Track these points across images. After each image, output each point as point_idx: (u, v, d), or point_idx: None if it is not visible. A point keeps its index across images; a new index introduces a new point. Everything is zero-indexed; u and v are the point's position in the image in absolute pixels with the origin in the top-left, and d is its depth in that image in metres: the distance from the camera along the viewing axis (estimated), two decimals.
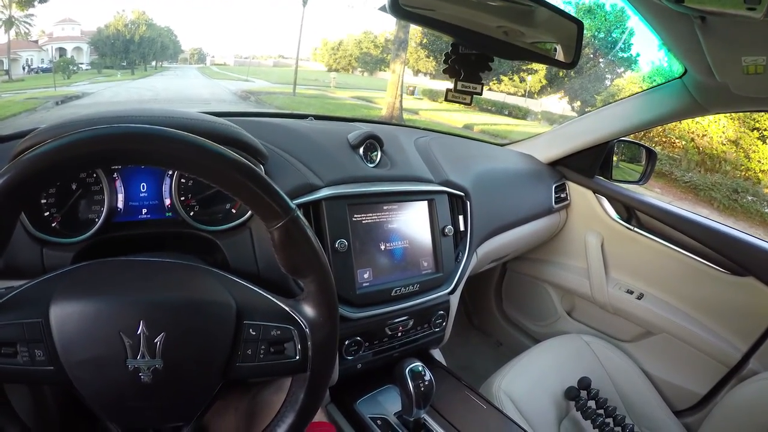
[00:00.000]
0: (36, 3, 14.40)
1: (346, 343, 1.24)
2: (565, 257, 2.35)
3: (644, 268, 2.10)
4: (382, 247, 1.32)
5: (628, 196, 2.15)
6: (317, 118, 1.74)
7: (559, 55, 1.04)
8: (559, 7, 0.99)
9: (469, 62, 0.99)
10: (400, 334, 1.37)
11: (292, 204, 0.76)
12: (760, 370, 1.69)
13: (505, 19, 0.96)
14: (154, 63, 38.90)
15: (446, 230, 1.44)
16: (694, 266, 1.94)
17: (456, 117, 18.97)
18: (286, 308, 0.82)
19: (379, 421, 1.23)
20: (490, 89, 27.64)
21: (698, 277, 1.93)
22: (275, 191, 0.74)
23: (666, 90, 1.81)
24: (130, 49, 35.91)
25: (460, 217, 1.54)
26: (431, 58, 27.84)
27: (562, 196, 2.23)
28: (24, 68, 31.54)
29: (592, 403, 1.64)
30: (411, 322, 1.39)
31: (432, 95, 25.72)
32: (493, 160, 2.01)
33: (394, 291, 1.30)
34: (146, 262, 0.86)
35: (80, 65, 33.62)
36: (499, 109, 24.49)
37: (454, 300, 1.51)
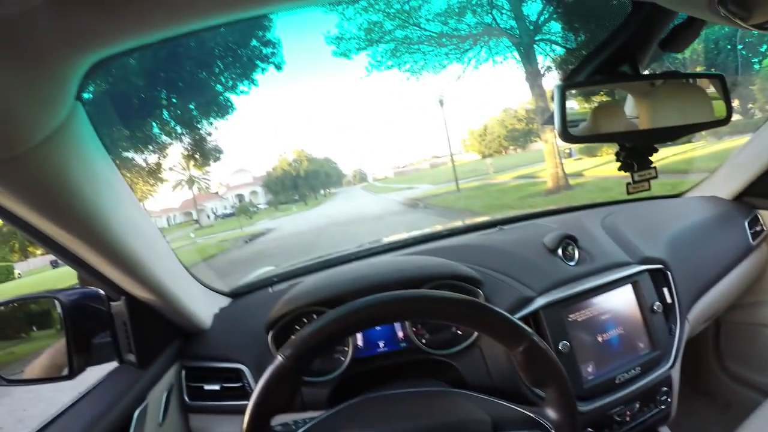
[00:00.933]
0: (211, 162, 16.32)
1: None
2: None
3: None
4: (600, 339, 1.36)
5: None
6: (503, 222, 1.89)
7: (713, 116, 1.02)
8: (695, 71, 1.04)
9: (637, 154, 1.02)
10: (628, 419, 1.37)
11: (528, 329, 0.85)
12: None
13: (658, 109, 0.98)
14: (322, 191, 41.80)
15: (655, 307, 1.45)
16: None
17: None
18: (533, 415, 0.90)
19: None
20: None
21: None
22: (511, 320, 0.85)
23: None
24: (298, 183, 38.96)
25: (665, 290, 1.53)
26: None
27: (758, 229, 2.04)
28: (209, 216, 35.43)
29: None
30: (637, 405, 1.38)
31: (589, 151, 24.90)
32: (678, 217, 1.96)
33: (617, 379, 1.34)
34: (403, 394, 1.03)
35: (258, 206, 37.09)
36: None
37: (675, 373, 1.49)
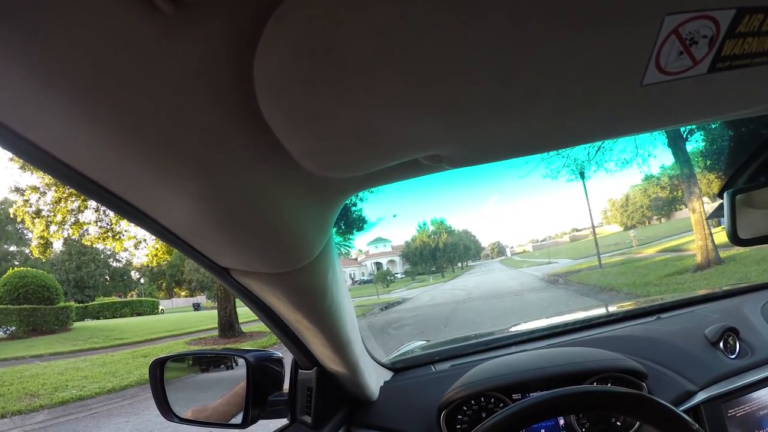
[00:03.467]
0: (355, 231, 16.79)
1: None
2: None
3: None
4: None
5: None
6: (659, 310, 1.85)
7: None
8: None
9: None
10: None
11: (695, 424, 0.85)
12: None
13: None
14: (459, 264, 41.62)
15: None
16: None
17: None
18: None
19: None
20: None
21: None
22: (677, 414, 0.86)
23: None
24: (436, 255, 39.03)
25: None
26: (723, 175, 25.15)
27: None
28: (347, 281, 36.31)
29: None
30: None
31: None
32: None
33: None
34: None
35: (395, 275, 37.51)
36: None
37: None
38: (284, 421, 1.29)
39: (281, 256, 0.74)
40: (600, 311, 2.12)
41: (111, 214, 13.97)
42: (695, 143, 14.94)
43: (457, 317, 12.07)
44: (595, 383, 1.29)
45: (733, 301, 1.86)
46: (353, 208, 15.50)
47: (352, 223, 15.94)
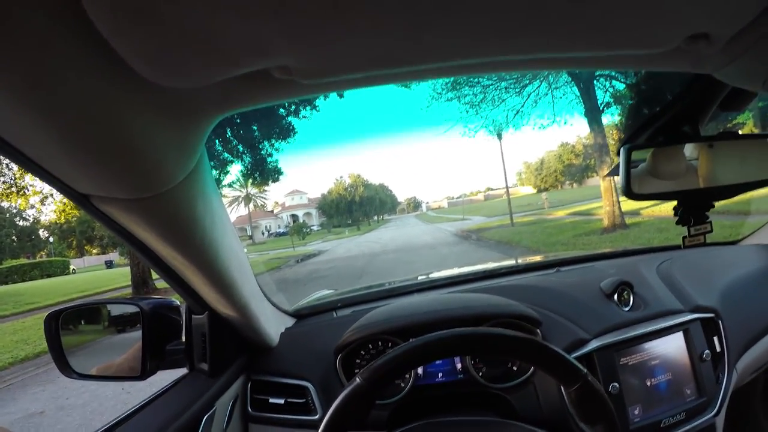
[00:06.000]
0: (270, 182, 16.55)
1: None
2: None
3: None
4: (648, 383, 1.37)
5: None
6: (560, 264, 1.93)
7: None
8: (752, 132, 1.00)
9: (695, 209, 1.05)
10: None
11: (584, 369, 0.89)
12: None
13: (716, 167, 1.02)
14: (375, 217, 42.06)
15: (704, 355, 1.46)
16: None
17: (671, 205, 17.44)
18: None
19: None
20: None
21: None
22: (568, 360, 0.89)
23: None
24: (352, 208, 39.31)
25: (715, 339, 1.53)
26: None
27: None
28: (263, 233, 36.09)
29: None
30: None
31: None
32: (733, 266, 1.94)
33: (663, 423, 1.34)
34: (459, 422, 1.10)
35: (312, 227, 37.60)
36: None
37: (720, 421, 1.47)
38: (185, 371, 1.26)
39: (139, 180, 0.70)
40: (504, 263, 2.16)
41: (15, 167, 12.99)
42: (611, 116, 15.45)
43: (371, 269, 12.17)
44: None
45: (631, 259, 1.97)
46: (269, 159, 15.17)
47: (268, 174, 15.62)
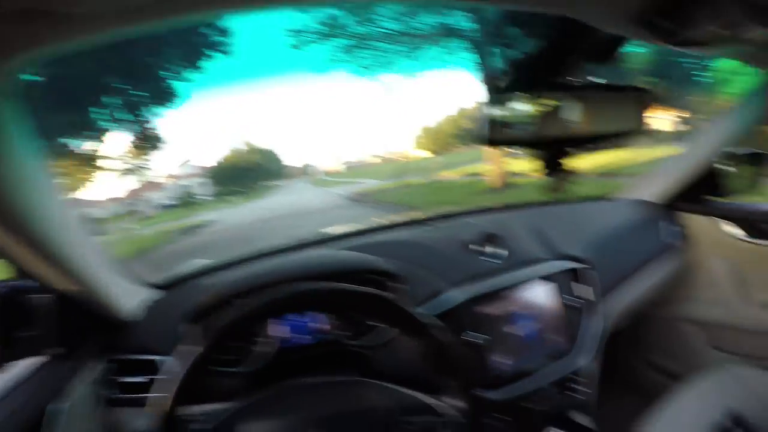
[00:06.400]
0: (154, 151, 15.88)
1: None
2: (700, 290, 2.14)
3: None
4: (514, 332, 1.41)
5: (748, 211, 1.94)
6: (435, 219, 1.92)
7: (626, 126, 1.05)
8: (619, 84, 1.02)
9: (554, 158, 1.04)
10: (542, 407, 1.41)
11: (433, 321, 0.91)
12: None
13: (578, 116, 0.99)
14: (267, 183, 41.44)
15: (570, 303, 1.51)
16: None
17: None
18: (434, 401, 0.97)
19: None
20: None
21: None
22: (412, 313, 0.90)
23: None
24: (242, 175, 38.65)
25: (582, 287, 1.57)
26: None
27: (677, 230, 2.09)
28: (151, 207, 34.63)
29: None
30: (552, 395, 1.43)
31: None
32: (601, 218, 2.03)
33: (532, 371, 1.40)
34: (315, 384, 1.09)
35: (201, 197, 36.45)
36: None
37: (592, 366, 1.53)
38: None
39: None
40: (382, 222, 2.15)
41: None
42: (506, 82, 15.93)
43: (259, 236, 12.08)
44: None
45: (504, 213, 2.02)
46: (148, 126, 14.46)
47: (151, 143, 14.95)
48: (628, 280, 1.82)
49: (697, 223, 2.09)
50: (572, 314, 1.50)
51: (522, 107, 0.98)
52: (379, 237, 1.69)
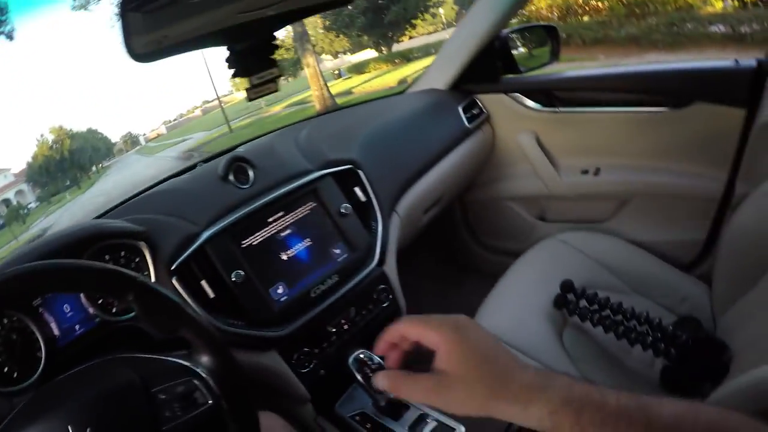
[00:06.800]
0: None
1: (295, 357, 1.22)
2: (511, 167, 2.23)
3: (589, 143, 1.97)
4: (284, 257, 1.29)
5: (541, 82, 2.04)
6: (207, 161, 1.64)
7: None
8: None
9: (251, 53, 0.90)
10: (347, 326, 1.33)
11: (131, 273, 0.77)
12: (749, 189, 1.43)
13: None
14: (94, 168, 38.63)
15: (342, 209, 1.40)
16: (636, 118, 1.82)
17: (388, 78, 18.66)
18: (180, 361, 0.85)
19: (358, 417, 1.21)
20: (411, 38, 27.28)
21: (645, 126, 1.82)
22: (109, 270, 0.76)
23: None
24: (65, 167, 35.62)
25: (357, 189, 1.49)
26: (341, 36, 27.32)
27: (475, 112, 2.09)
28: None
29: (583, 303, 1.46)
30: (353, 310, 1.34)
31: (358, 69, 25.22)
32: (384, 113, 1.94)
33: (312, 292, 1.28)
34: (71, 375, 0.92)
35: (29, 206, 33.37)
36: (426, 51, 23.11)
37: (391, 270, 1.46)
38: None
39: None
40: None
41: None
42: None
43: None
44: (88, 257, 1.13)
45: (272, 134, 1.87)
46: None
47: None
48: (420, 169, 1.77)
49: (496, 101, 2.13)
50: (346, 221, 1.41)
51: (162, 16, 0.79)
52: (147, 193, 1.50)
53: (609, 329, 1.38)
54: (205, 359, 0.83)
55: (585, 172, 1.97)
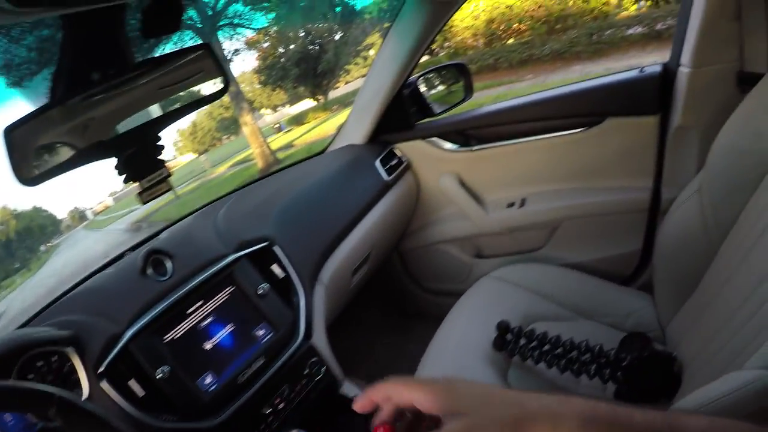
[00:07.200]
0: None
1: None
2: (439, 211, 2.26)
3: (510, 176, 2.02)
4: (209, 346, 1.27)
5: (455, 122, 2.07)
6: (134, 248, 1.59)
7: (211, 88, 0.97)
8: (174, 49, 0.94)
9: (136, 159, 0.90)
10: (282, 405, 1.30)
11: (51, 389, 0.75)
12: (675, 194, 1.46)
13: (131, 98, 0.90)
14: (42, 247, 37.61)
15: (260, 291, 1.39)
16: (553, 143, 1.86)
17: (328, 126, 18.81)
18: None
19: None
20: (347, 83, 27.66)
21: (562, 150, 1.86)
22: (28, 388, 0.74)
23: (408, 10, 1.77)
24: (12, 249, 34.68)
25: (274, 266, 1.48)
26: (277, 89, 27.52)
27: (394, 163, 2.12)
28: None
29: (523, 341, 1.45)
30: (286, 388, 1.32)
31: (298, 120, 25.35)
32: (303, 179, 1.93)
33: (239, 378, 1.25)
34: None
35: None
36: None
37: (320, 341, 1.45)
38: None
39: None
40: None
41: None
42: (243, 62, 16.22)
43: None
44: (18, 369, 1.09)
45: (193, 216, 1.79)
46: None
47: None
48: (342, 233, 1.76)
49: (414, 148, 2.16)
50: (265, 301, 1.38)
51: (48, 124, 0.82)
52: (72, 291, 1.40)
53: (551, 364, 1.37)
54: None
55: (511, 204, 2.01)
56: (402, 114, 2.09)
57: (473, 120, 2.03)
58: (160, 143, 0.92)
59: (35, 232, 37.78)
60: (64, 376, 1.09)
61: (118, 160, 0.88)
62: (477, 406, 0.54)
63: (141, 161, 0.90)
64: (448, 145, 2.10)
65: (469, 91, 2.14)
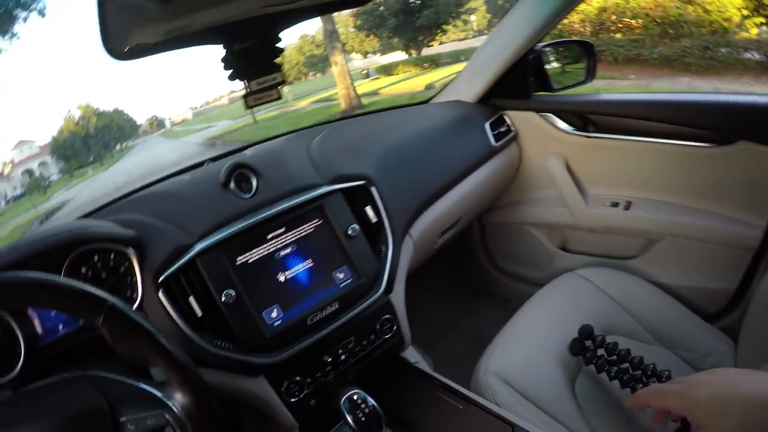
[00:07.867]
0: None
1: (284, 385, 1.12)
2: (536, 191, 2.10)
3: (621, 174, 1.84)
4: (282, 278, 1.18)
5: (575, 102, 1.90)
6: (215, 159, 1.54)
7: None
8: None
9: (252, 55, 0.81)
10: (344, 356, 1.22)
11: (104, 294, 0.69)
12: None
13: None
14: (118, 146, 39.07)
15: (350, 231, 1.28)
16: (675, 151, 1.67)
17: (416, 81, 18.57)
18: (154, 392, 0.77)
19: None
20: (441, 43, 27.21)
21: (683, 161, 1.67)
22: (80, 289, 0.68)
23: None
24: (90, 143, 36.09)
25: (368, 209, 1.36)
26: (371, 36, 27.37)
27: (503, 130, 1.96)
28: (0, 202, 31.59)
29: (601, 351, 1.34)
30: (353, 340, 1.23)
31: (387, 70, 25.19)
32: (406, 125, 1.80)
33: (309, 319, 1.16)
34: (42, 388, 0.86)
35: (51, 178, 33.79)
36: (456, 58, 23.21)
37: (398, 298, 1.34)
38: None
39: None
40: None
41: None
42: None
43: None
44: (71, 262, 1.05)
45: (283, 139, 1.71)
46: None
47: None
48: (440, 188, 1.65)
49: (526, 120, 2.01)
50: (353, 244, 1.28)
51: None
52: (148, 191, 1.34)
53: (626, 384, 1.26)
54: (178, 396, 0.75)
55: (615, 204, 1.84)
56: (521, 81, 1.92)
57: (596, 105, 1.86)
58: (280, 45, 0.84)
59: (113, 131, 39.18)
60: (119, 277, 1.06)
61: (229, 52, 0.81)
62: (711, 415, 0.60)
63: (256, 58, 0.83)
64: (562, 125, 1.91)
65: (591, 74, 1.93)
